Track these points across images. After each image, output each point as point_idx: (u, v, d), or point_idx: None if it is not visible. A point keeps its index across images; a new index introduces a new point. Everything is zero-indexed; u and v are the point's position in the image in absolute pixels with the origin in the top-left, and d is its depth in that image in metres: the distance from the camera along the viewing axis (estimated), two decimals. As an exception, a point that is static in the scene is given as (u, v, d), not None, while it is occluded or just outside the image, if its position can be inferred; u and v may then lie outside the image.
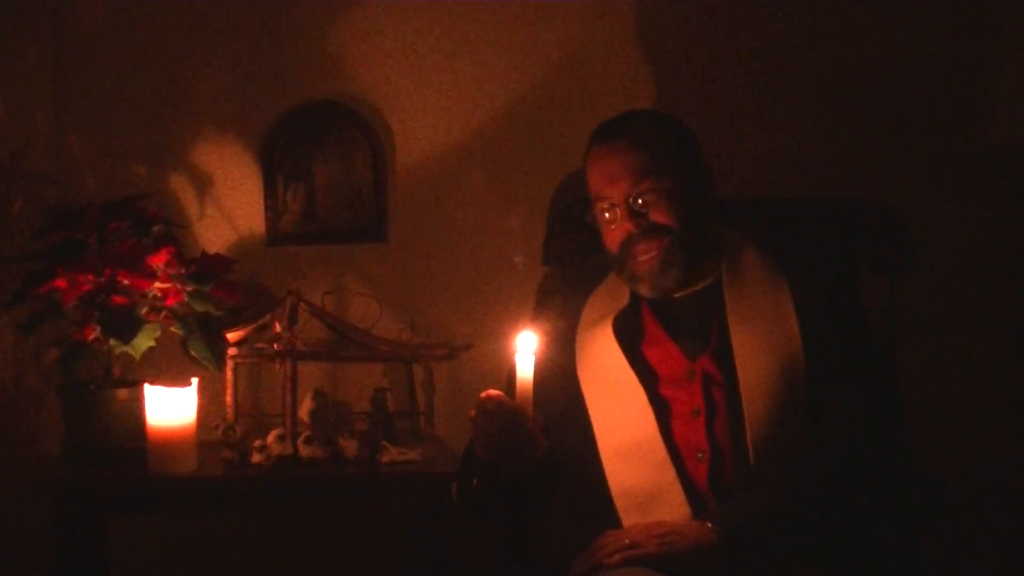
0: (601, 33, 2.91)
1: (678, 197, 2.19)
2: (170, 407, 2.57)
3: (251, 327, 2.80)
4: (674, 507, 2.14)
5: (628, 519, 2.17)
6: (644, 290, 2.22)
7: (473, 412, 2.10)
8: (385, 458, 2.61)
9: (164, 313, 2.67)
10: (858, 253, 2.51)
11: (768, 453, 2.12)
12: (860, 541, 2.13)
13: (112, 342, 2.62)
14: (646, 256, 2.19)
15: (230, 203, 2.94)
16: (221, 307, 2.70)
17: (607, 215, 2.22)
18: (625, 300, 2.29)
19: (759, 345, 2.16)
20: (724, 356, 2.18)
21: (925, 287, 2.75)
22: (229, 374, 2.80)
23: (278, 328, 2.78)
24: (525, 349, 2.06)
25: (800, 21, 2.89)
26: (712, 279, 2.25)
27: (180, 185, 2.94)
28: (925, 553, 2.34)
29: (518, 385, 2.06)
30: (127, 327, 2.61)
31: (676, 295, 2.25)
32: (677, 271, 2.20)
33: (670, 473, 2.15)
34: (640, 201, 2.18)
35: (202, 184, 2.94)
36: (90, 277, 2.61)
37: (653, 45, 2.90)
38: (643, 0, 2.90)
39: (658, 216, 2.18)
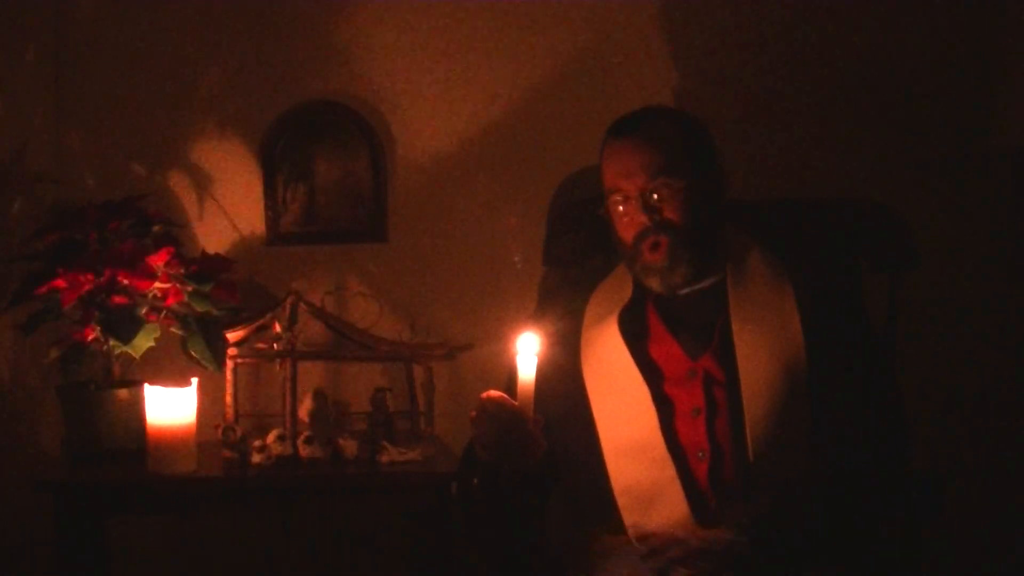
0: (602, 34, 2.91)
1: (691, 196, 2.21)
2: (170, 407, 2.57)
3: (251, 327, 2.80)
4: (674, 505, 2.15)
5: (629, 516, 2.18)
6: (655, 284, 2.24)
7: (473, 413, 2.10)
8: (385, 458, 2.61)
9: (164, 313, 2.67)
10: (858, 253, 2.51)
11: (768, 453, 2.13)
12: (861, 540, 2.13)
13: (112, 342, 2.62)
14: (656, 243, 2.21)
15: (230, 203, 2.94)
16: (221, 307, 2.70)
17: (621, 208, 2.24)
18: (628, 294, 2.30)
19: (761, 345, 2.17)
20: (726, 355, 2.19)
21: (925, 287, 2.75)
22: (229, 374, 2.80)
23: (278, 328, 2.78)
24: (526, 350, 2.05)
25: (801, 24, 2.89)
26: (717, 278, 2.26)
27: (180, 185, 2.94)
28: (925, 553, 2.34)
29: (519, 386, 2.06)
30: (127, 327, 2.61)
31: (681, 292, 2.26)
32: (685, 268, 2.22)
33: (670, 471, 2.16)
34: (655, 197, 2.21)
35: (202, 184, 2.94)
36: (90, 277, 2.61)
37: (654, 47, 2.90)
38: (645, 2, 2.90)
39: (671, 213, 2.21)
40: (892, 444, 2.17)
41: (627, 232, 2.24)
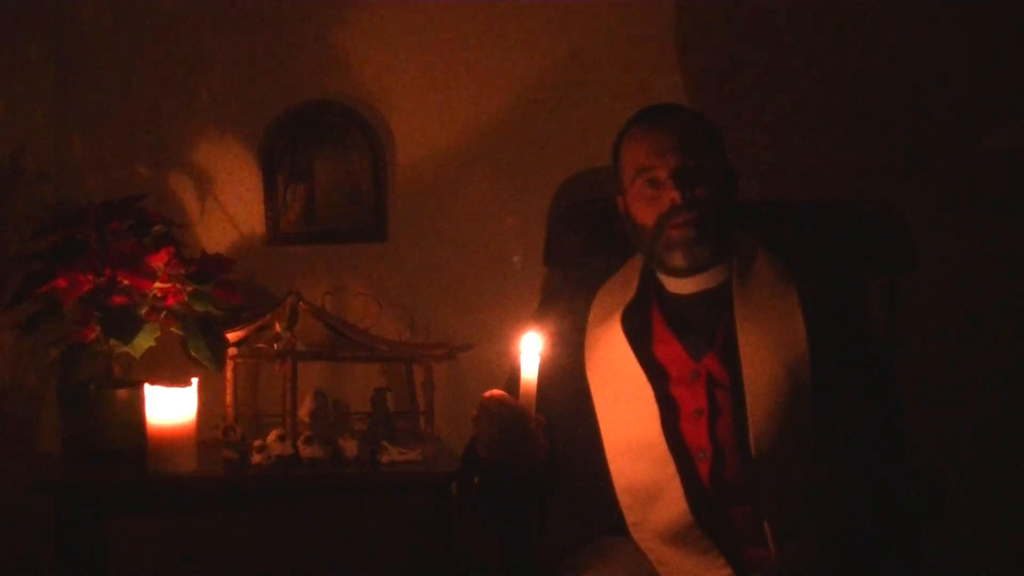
0: (603, 34, 2.90)
1: (717, 177, 2.25)
2: (170, 407, 2.57)
3: (251, 327, 2.80)
4: (672, 503, 2.16)
5: (631, 515, 2.19)
6: (678, 260, 2.23)
7: (475, 412, 2.10)
8: (385, 458, 2.61)
9: (164, 313, 2.67)
10: (859, 254, 2.52)
11: (770, 454, 2.13)
12: (863, 542, 2.12)
13: (112, 342, 2.62)
14: (685, 219, 2.21)
15: (230, 203, 2.94)
16: (221, 307, 2.70)
17: (649, 188, 2.24)
18: (632, 292, 2.30)
19: (765, 347, 2.17)
20: (729, 357, 2.19)
21: (925, 288, 2.75)
22: (229, 374, 2.80)
23: (278, 328, 2.78)
24: (529, 350, 2.05)
25: (801, 25, 2.89)
26: (722, 280, 2.26)
27: (180, 185, 2.94)
28: (925, 553, 2.34)
29: (522, 386, 2.05)
30: (127, 327, 2.61)
31: (687, 292, 2.27)
32: (710, 244, 2.23)
33: (670, 470, 2.16)
34: (687, 174, 2.22)
35: (202, 184, 2.94)
36: (90, 277, 2.61)
37: (654, 48, 2.90)
38: (645, 3, 2.90)
39: (701, 190, 2.22)
40: (891, 450, 2.17)
41: (651, 213, 2.24)
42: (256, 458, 2.61)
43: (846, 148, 2.90)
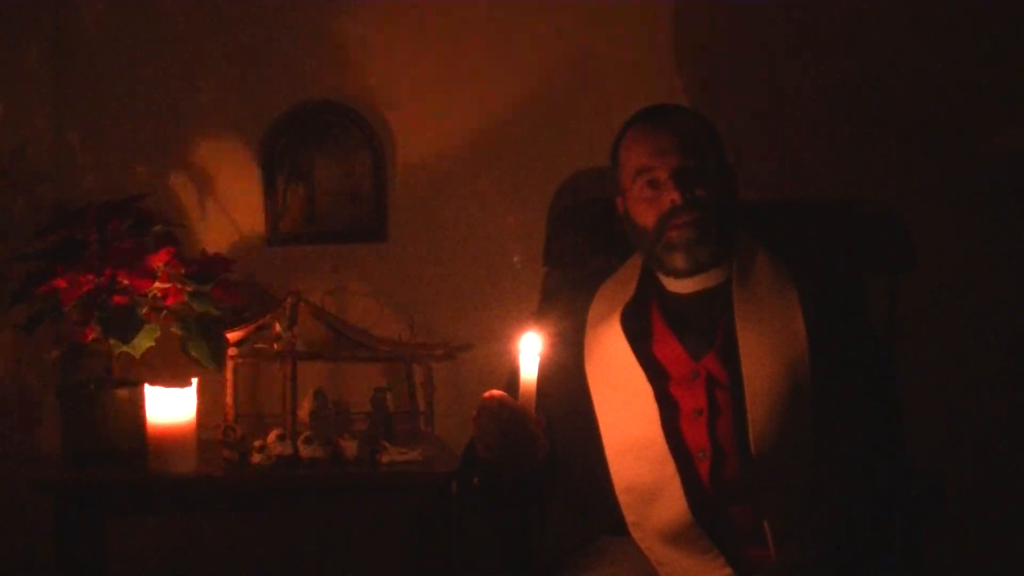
0: (603, 34, 2.91)
1: (717, 178, 2.24)
2: (170, 407, 2.57)
3: (251, 327, 2.81)
4: (673, 503, 2.15)
5: (631, 515, 2.19)
6: (679, 261, 2.23)
7: (475, 412, 2.10)
8: (385, 458, 2.61)
9: (164, 313, 2.67)
10: (859, 254, 2.52)
11: (770, 453, 2.13)
12: (864, 545, 2.12)
13: (112, 342, 2.62)
14: (686, 220, 2.20)
15: (230, 203, 2.94)
16: (221, 307, 2.70)
17: (649, 189, 2.24)
18: (632, 292, 2.30)
19: (765, 346, 2.17)
20: (729, 356, 2.19)
21: (925, 288, 2.75)
22: (229, 374, 2.80)
23: (278, 328, 2.78)
24: (529, 350, 2.05)
25: (802, 25, 2.89)
26: (722, 279, 2.26)
27: (180, 185, 2.94)
28: (925, 553, 2.34)
29: (522, 386, 2.05)
30: (127, 327, 2.61)
31: (687, 292, 2.26)
32: (711, 245, 2.22)
33: (670, 469, 2.16)
34: (687, 174, 2.21)
35: (202, 184, 2.94)
36: (90, 277, 2.61)
37: (654, 49, 2.90)
38: (646, 3, 2.90)
39: (702, 191, 2.21)
40: (891, 448, 2.17)
41: (651, 214, 2.23)
42: (256, 458, 2.61)
43: (846, 148, 2.90)
